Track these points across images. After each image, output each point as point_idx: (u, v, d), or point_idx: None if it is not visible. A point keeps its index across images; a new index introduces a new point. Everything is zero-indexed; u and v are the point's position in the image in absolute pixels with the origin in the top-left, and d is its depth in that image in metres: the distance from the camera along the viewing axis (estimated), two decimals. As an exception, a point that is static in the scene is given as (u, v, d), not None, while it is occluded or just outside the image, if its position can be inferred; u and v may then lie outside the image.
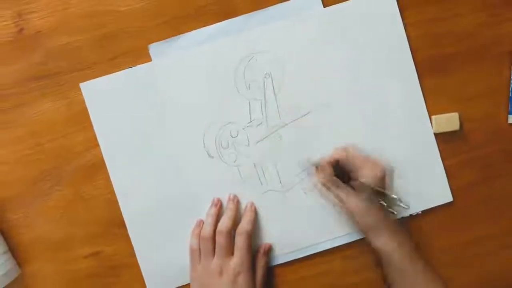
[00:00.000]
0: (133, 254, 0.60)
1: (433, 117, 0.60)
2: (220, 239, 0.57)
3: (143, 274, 0.60)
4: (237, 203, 0.60)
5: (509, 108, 0.61)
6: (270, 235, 0.60)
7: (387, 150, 0.60)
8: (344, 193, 0.56)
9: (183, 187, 0.60)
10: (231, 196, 0.60)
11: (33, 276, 0.60)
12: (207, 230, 0.58)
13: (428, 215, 0.60)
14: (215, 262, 0.56)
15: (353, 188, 0.56)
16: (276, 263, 0.61)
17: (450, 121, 0.60)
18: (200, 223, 0.60)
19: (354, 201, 0.55)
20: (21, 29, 0.59)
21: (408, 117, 0.60)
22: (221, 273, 0.56)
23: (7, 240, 0.59)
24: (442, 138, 0.60)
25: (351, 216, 0.56)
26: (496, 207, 0.61)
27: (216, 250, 0.57)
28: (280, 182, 0.60)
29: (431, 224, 0.61)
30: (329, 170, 0.58)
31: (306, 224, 0.60)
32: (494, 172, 0.61)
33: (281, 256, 0.61)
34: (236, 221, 0.59)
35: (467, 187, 0.61)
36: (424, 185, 0.60)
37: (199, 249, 0.58)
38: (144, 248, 0.60)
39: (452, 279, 0.59)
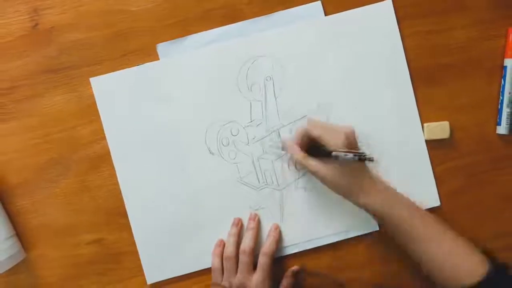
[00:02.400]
0: (133, 243, 0.62)
1: (425, 124, 0.63)
2: (244, 258, 0.59)
3: (142, 262, 0.62)
4: (258, 221, 0.62)
5: (498, 119, 0.63)
6: (266, 229, 0.62)
7: (380, 155, 0.62)
8: (314, 165, 0.56)
9: (184, 181, 0.62)
10: (252, 215, 0.62)
11: (38, 260, 0.63)
12: (230, 250, 0.60)
13: (416, 218, 0.63)
14: (238, 279, 0.59)
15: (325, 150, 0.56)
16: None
17: (441, 129, 0.63)
18: (220, 243, 0.62)
19: (324, 170, 0.55)
20: (36, 24, 0.62)
21: (401, 124, 0.63)
22: None
23: (14, 224, 0.62)
24: (432, 145, 0.63)
25: (328, 185, 0.56)
26: (481, 213, 0.63)
27: (239, 268, 0.59)
28: (277, 180, 0.63)
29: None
30: (296, 148, 0.58)
31: (301, 221, 0.63)
32: (481, 179, 0.63)
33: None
34: (257, 239, 0.61)
35: (454, 192, 0.63)
36: (413, 189, 0.61)
37: (221, 267, 0.61)
38: (144, 237, 0.62)
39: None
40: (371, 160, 0.53)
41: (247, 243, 0.60)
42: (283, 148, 0.61)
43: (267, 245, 0.60)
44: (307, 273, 0.63)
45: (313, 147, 0.58)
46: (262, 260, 0.60)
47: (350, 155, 0.53)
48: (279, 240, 0.62)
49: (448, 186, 0.63)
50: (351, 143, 0.55)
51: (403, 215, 0.55)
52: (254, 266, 0.60)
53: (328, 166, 0.55)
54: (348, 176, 0.55)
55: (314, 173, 0.57)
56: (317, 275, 0.62)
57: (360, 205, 0.56)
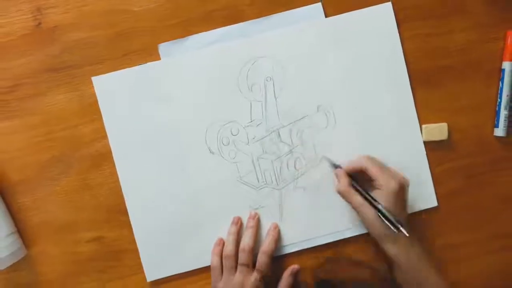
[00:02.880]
0: (133, 241, 0.63)
1: (423, 126, 0.63)
2: (243, 257, 0.60)
3: (142, 260, 0.63)
4: (258, 220, 0.63)
5: (495, 122, 0.64)
6: (265, 228, 0.63)
7: (379, 156, 0.63)
8: (358, 204, 0.58)
9: (184, 180, 0.63)
10: (252, 214, 0.63)
11: (38, 257, 0.63)
12: (230, 248, 0.61)
13: (413, 218, 0.63)
14: (237, 277, 0.60)
15: (370, 196, 0.58)
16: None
17: (439, 130, 0.63)
18: (220, 242, 0.62)
19: (366, 212, 0.57)
20: (39, 23, 0.63)
21: (400, 125, 0.63)
22: (242, 286, 0.59)
23: (15, 221, 0.62)
24: (430, 146, 0.63)
25: (364, 223, 0.59)
26: (478, 214, 0.64)
27: (239, 266, 0.60)
28: (276, 180, 0.63)
29: (416, 227, 0.63)
30: (345, 180, 0.59)
31: (300, 220, 0.63)
32: (478, 181, 0.64)
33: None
34: (256, 238, 0.62)
35: (452, 193, 0.64)
36: (412, 189, 0.62)
37: (220, 266, 0.61)
38: (144, 235, 0.63)
39: None
40: (404, 233, 0.55)
41: (246, 241, 0.60)
42: (335, 172, 0.62)
43: (266, 244, 0.61)
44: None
45: (357, 180, 0.60)
46: (261, 259, 0.60)
47: (388, 223, 0.55)
48: (278, 239, 0.62)
49: (446, 187, 0.64)
50: (401, 194, 0.58)
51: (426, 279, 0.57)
52: (253, 265, 0.61)
53: (369, 209, 0.57)
54: (384, 226, 0.56)
55: (354, 208, 0.59)
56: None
57: (389, 253, 0.57)
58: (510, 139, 0.64)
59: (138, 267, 0.63)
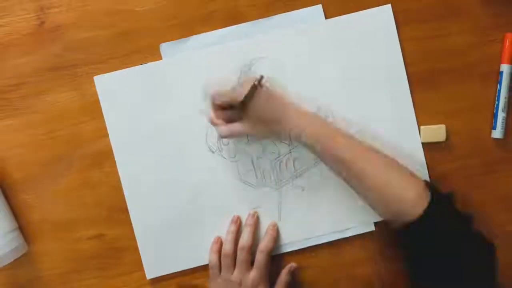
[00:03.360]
0: (133, 239, 0.63)
1: (421, 127, 0.64)
2: (242, 255, 0.61)
3: (142, 257, 0.64)
4: (257, 219, 0.63)
5: (493, 124, 0.64)
6: (263, 227, 0.64)
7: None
8: (238, 126, 0.58)
9: (184, 179, 0.64)
10: (251, 212, 0.64)
11: (39, 253, 0.64)
12: (229, 247, 0.61)
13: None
14: (236, 274, 0.60)
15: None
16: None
17: (437, 132, 0.64)
18: (217, 240, 0.63)
19: (247, 124, 0.58)
20: (42, 22, 0.63)
21: (398, 126, 0.64)
22: (240, 285, 0.60)
23: (17, 218, 0.63)
24: (428, 147, 0.64)
25: (259, 133, 0.59)
26: (475, 215, 0.64)
27: (237, 264, 0.61)
28: (275, 179, 0.64)
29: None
30: (219, 122, 0.60)
31: (299, 219, 0.64)
32: (475, 182, 0.65)
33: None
34: (255, 236, 0.63)
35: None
36: None
37: (218, 264, 0.62)
38: (144, 233, 0.63)
39: None
40: (260, 78, 0.54)
41: (245, 240, 0.61)
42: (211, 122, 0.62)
43: (264, 243, 0.62)
44: None
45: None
46: (260, 257, 0.61)
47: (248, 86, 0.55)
48: (276, 237, 0.63)
49: (444, 188, 0.63)
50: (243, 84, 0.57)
51: (333, 139, 0.57)
52: (252, 263, 0.61)
53: (248, 119, 0.57)
54: (268, 110, 0.56)
55: (238, 134, 0.59)
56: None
57: (291, 134, 0.57)
58: (507, 141, 0.64)
59: (138, 265, 0.64)
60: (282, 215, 0.64)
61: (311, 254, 0.64)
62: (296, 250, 0.64)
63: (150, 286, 0.64)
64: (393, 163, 0.57)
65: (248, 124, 0.58)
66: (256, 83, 0.55)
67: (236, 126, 0.59)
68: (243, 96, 0.56)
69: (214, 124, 0.60)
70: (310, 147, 0.58)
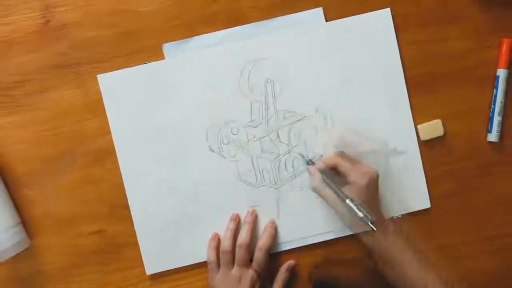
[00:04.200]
0: (134, 235, 0.64)
1: (418, 126, 0.65)
2: (240, 252, 0.62)
3: (142, 254, 0.65)
4: (255, 217, 0.65)
5: (489, 127, 0.65)
6: (262, 226, 0.65)
7: (375, 157, 0.64)
8: (331, 200, 0.59)
9: (185, 177, 0.65)
10: (250, 210, 0.65)
11: (41, 248, 0.65)
12: (227, 244, 0.62)
13: (407, 219, 0.65)
14: (235, 271, 0.61)
15: (341, 191, 0.58)
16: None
17: (434, 128, 0.65)
18: (215, 237, 0.64)
19: (338, 207, 0.59)
20: (48, 21, 0.64)
21: (396, 128, 0.65)
22: (239, 280, 0.61)
23: (20, 213, 0.64)
24: (425, 149, 0.65)
25: (339, 217, 0.61)
26: (470, 216, 0.66)
27: (236, 261, 0.62)
28: (274, 179, 0.65)
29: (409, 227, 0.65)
30: (318, 176, 0.61)
31: (297, 218, 0.65)
32: (471, 184, 0.66)
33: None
34: (253, 234, 0.64)
35: (444, 196, 0.65)
36: (406, 191, 0.65)
37: (216, 260, 0.63)
38: (144, 230, 0.64)
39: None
40: (372, 228, 0.55)
41: (243, 237, 0.62)
42: (308, 169, 0.64)
43: (263, 240, 0.63)
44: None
45: (331, 177, 0.61)
46: (258, 255, 0.62)
47: (360, 214, 0.55)
48: (274, 235, 0.64)
49: (440, 189, 0.66)
50: (371, 188, 0.59)
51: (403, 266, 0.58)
52: (251, 260, 0.62)
53: (340, 204, 0.58)
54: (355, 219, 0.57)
55: (327, 203, 0.61)
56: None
57: (365, 244, 0.59)
58: (502, 144, 0.66)
59: (138, 261, 0.65)
60: (281, 214, 0.65)
61: (308, 252, 0.65)
62: (293, 249, 0.65)
63: (149, 282, 0.65)
64: None
65: (338, 207, 0.59)
66: (365, 221, 0.55)
67: (330, 196, 0.59)
68: (353, 208, 0.56)
69: (313, 176, 0.62)
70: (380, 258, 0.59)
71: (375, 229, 0.55)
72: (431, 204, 0.65)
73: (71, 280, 0.65)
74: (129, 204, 0.65)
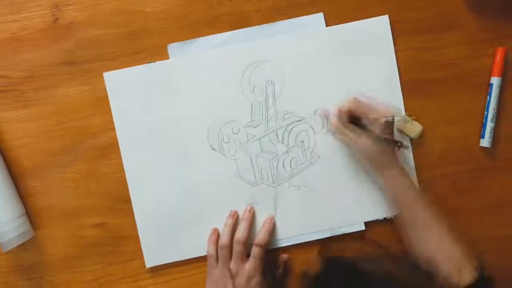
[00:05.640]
0: (135, 228, 0.66)
1: (403, 114, 0.66)
2: (237, 247, 0.63)
3: (142, 247, 0.66)
4: (253, 213, 0.66)
5: (482, 133, 0.67)
6: (259, 223, 0.67)
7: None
8: (357, 135, 0.62)
9: (185, 173, 0.66)
10: (248, 208, 0.66)
11: (45, 239, 0.66)
12: (225, 239, 0.64)
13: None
14: (232, 266, 0.63)
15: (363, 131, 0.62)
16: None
17: (412, 127, 0.66)
18: (215, 232, 0.66)
19: (365, 142, 0.61)
20: (57, 19, 0.66)
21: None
22: (236, 275, 0.63)
23: (25, 204, 0.66)
24: (419, 153, 0.67)
25: (364, 155, 0.62)
26: (461, 219, 0.67)
27: (233, 256, 0.63)
28: (272, 177, 0.67)
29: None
30: (344, 118, 0.63)
31: (293, 216, 0.67)
32: (462, 187, 0.67)
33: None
34: (251, 230, 0.65)
35: (437, 198, 0.65)
36: None
37: (216, 254, 0.64)
38: (145, 224, 0.66)
39: None
40: (406, 147, 0.61)
41: (241, 233, 0.64)
42: (324, 115, 0.66)
43: (260, 236, 0.64)
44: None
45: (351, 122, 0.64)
46: (255, 250, 0.64)
47: (395, 140, 0.60)
48: (272, 231, 0.66)
49: (432, 192, 0.67)
50: (388, 127, 0.61)
51: (411, 203, 0.61)
52: (248, 255, 0.64)
53: (365, 139, 0.61)
54: (380, 152, 0.61)
55: (352, 143, 0.63)
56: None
57: (382, 179, 0.62)
58: (494, 149, 0.67)
59: (138, 253, 0.66)
60: (278, 212, 0.67)
61: (303, 249, 0.67)
62: (289, 246, 0.67)
63: (148, 274, 0.67)
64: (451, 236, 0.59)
65: (363, 141, 0.61)
66: (400, 145, 0.61)
67: (353, 134, 0.62)
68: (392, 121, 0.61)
69: (334, 118, 0.64)
70: (389, 201, 0.64)
71: (409, 146, 0.60)
72: (423, 205, 0.67)
73: (73, 271, 0.67)
74: (131, 198, 0.66)
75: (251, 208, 0.66)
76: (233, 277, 0.63)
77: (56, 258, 0.66)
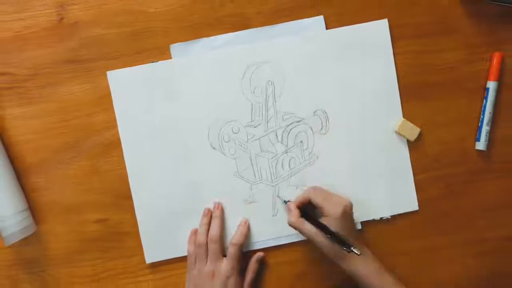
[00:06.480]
0: (135, 225, 0.67)
1: (403, 119, 0.67)
2: (212, 246, 0.64)
3: (142, 243, 0.67)
4: (222, 210, 0.67)
5: (477, 136, 0.68)
6: (258, 221, 0.68)
7: (368, 161, 0.68)
8: (310, 233, 0.61)
9: (186, 172, 0.67)
10: (216, 205, 0.67)
11: (47, 233, 0.67)
12: (201, 238, 0.65)
13: (395, 220, 0.68)
14: (208, 266, 0.64)
15: (321, 223, 0.62)
16: (258, 248, 0.68)
17: (411, 130, 0.67)
18: (195, 231, 0.67)
19: (318, 239, 0.61)
20: (62, 18, 0.67)
21: (388, 133, 0.68)
22: (213, 276, 0.63)
23: (28, 199, 0.67)
24: (416, 155, 0.68)
25: (319, 248, 0.61)
26: (455, 220, 0.69)
27: (209, 255, 0.64)
28: (271, 176, 0.68)
29: (397, 228, 0.68)
30: (295, 212, 0.63)
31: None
32: (458, 189, 0.69)
33: (263, 241, 0.68)
34: (223, 226, 0.66)
35: (432, 200, 0.68)
36: (395, 193, 0.68)
37: (195, 254, 0.65)
38: (146, 220, 0.67)
39: (408, 279, 0.66)
40: (355, 253, 0.59)
41: (214, 231, 0.65)
42: (287, 207, 0.66)
43: (236, 236, 0.65)
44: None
45: (309, 209, 0.64)
46: (231, 250, 0.64)
47: (340, 245, 0.59)
48: (246, 233, 0.67)
49: (428, 193, 0.68)
50: (346, 216, 0.62)
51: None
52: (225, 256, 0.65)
53: (321, 235, 0.61)
54: (336, 248, 0.60)
55: (307, 237, 0.62)
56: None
57: (347, 271, 0.62)
58: (490, 152, 0.68)
59: (138, 249, 0.67)
60: (276, 210, 0.68)
61: (303, 248, 0.68)
62: (288, 244, 0.68)
63: (148, 270, 0.68)
64: None
65: (318, 239, 0.61)
66: (347, 250, 0.59)
67: (309, 229, 0.61)
68: (335, 240, 0.60)
69: (290, 212, 0.64)
70: (357, 281, 0.62)
71: (359, 253, 0.58)
72: (419, 207, 0.68)
73: (73, 265, 0.68)
74: (132, 195, 0.67)
75: (219, 205, 0.67)
76: (210, 276, 0.63)
77: (57, 253, 0.68)
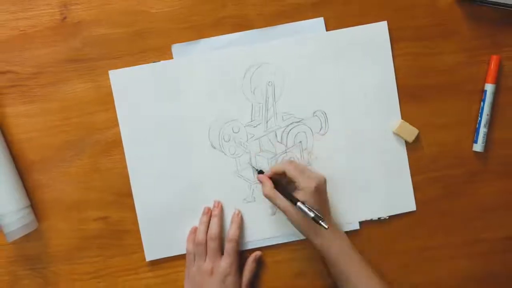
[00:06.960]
0: (136, 223, 0.68)
1: (401, 120, 0.68)
2: (211, 244, 0.65)
3: (143, 241, 0.68)
4: (221, 208, 0.68)
5: (475, 138, 0.69)
6: (256, 220, 0.68)
7: (366, 162, 0.68)
8: (282, 205, 0.62)
9: (186, 170, 0.68)
10: (215, 203, 0.68)
11: (48, 231, 0.68)
12: (200, 237, 0.65)
13: (392, 221, 0.69)
14: (207, 263, 0.64)
15: (292, 195, 0.62)
16: (257, 246, 0.69)
17: (409, 132, 0.68)
18: (194, 230, 0.67)
19: (290, 211, 0.61)
20: (65, 18, 0.68)
21: (386, 134, 0.68)
22: (212, 273, 0.64)
23: (30, 197, 0.67)
24: (413, 156, 0.69)
25: (290, 221, 0.62)
26: (453, 221, 0.69)
27: (208, 253, 0.65)
28: (270, 176, 0.69)
29: (394, 229, 0.69)
30: (268, 183, 0.64)
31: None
32: (455, 191, 0.69)
33: (262, 240, 0.68)
34: (222, 224, 0.67)
35: (429, 200, 0.69)
36: (393, 194, 0.68)
37: (194, 252, 0.66)
38: (146, 218, 0.68)
39: (405, 279, 0.67)
40: (323, 226, 0.58)
41: (213, 229, 0.65)
42: (258, 178, 0.66)
43: (231, 231, 0.66)
44: None
45: (282, 183, 0.64)
46: (228, 246, 0.65)
47: (311, 214, 0.58)
48: (241, 224, 0.67)
49: (425, 194, 0.69)
50: (320, 191, 0.62)
51: (346, 263, 0.62)
52: (223, 253, 0.66)
53: (293, 208, 0.61)
54: (308, 221, 0.60)
55: (279, 209, 0.63)
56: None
57: (314, 245, 0.62)
58: (487, 154, 0.69)
59: (138, 247, 0.68)
60: (275, 209, 0.69)
61: (302, 247, 0.69)
62: (286, 243, 0.69)
63: (148, 268, 0.68)
64: None
65: (290, 211, 0.61)
66: (316, 220, 0.58)
67: (282, 202, 0.62)
68: (304, 209, 0.59)
69: (264, 182, 0.64)
70: (327, 259, 0.63)
71: (326, 227, 0.57)
72: (416, 207, 0.69)
73: (74, 262, 0.68)
74: (133, 193, 0.68)
75: (218, 203, 0.68)
76: (208, 274, 0.64)
77: (58, 250, 0.68)
